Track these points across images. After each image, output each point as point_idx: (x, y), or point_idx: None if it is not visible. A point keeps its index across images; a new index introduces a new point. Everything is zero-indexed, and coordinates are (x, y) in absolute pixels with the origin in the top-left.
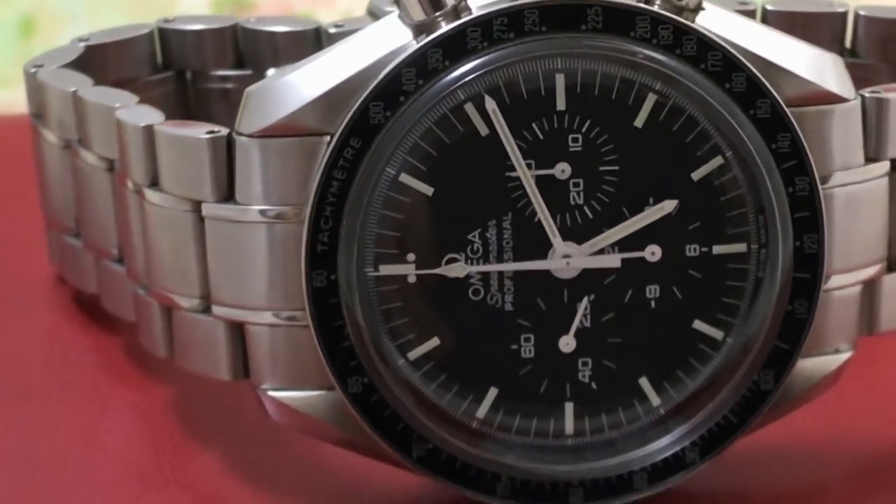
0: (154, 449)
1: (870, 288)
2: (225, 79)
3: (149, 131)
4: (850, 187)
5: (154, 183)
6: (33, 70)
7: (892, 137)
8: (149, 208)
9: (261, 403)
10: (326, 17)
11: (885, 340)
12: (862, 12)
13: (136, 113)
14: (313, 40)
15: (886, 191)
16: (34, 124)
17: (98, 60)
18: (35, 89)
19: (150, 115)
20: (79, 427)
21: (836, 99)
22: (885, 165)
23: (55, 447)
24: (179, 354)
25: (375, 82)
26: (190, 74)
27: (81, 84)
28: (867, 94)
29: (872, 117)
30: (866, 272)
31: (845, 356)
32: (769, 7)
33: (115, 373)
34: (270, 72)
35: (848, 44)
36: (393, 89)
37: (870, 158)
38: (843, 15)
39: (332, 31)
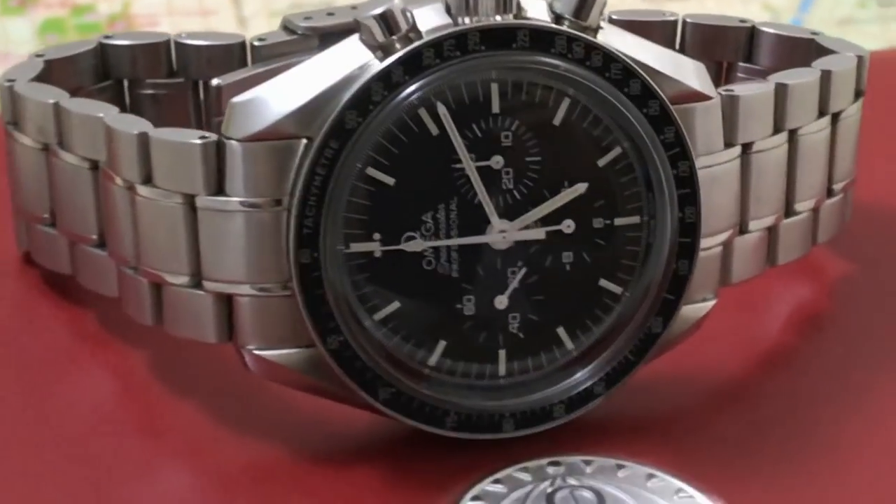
0: (134, 402)
1: (726, 248)
2: (156, 86)
3: (143, 137)
4: (713, 168)
5: (147, 180)
6: (7, 84)
7: (741, 126)
8: (141, 202)
9: (242, 360)
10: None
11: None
12: (688, 19)
13: (126, 121)
14: (239, 52)
15: (739, 170)
16: (8, 130)
17: (55, 73)
18: (11, 101)
19: (140, 123)
20: (61, 385)
21: (704, 97)
22: (737, 149)
23: (36, 404)
24: (169, 323)
25: (350, 94)
26: (127, 83)
27: (59, 96)
28: (723, 92)
29: (727, 110)
30: (724, 236)
31: (711, 303)
32: (614, 16)
33: (93, 339)
34: (215, 81)
35: (677, 46)
36: (364, 99)
37: (727, 144)
38: (674, 22)
39: (256, 43)
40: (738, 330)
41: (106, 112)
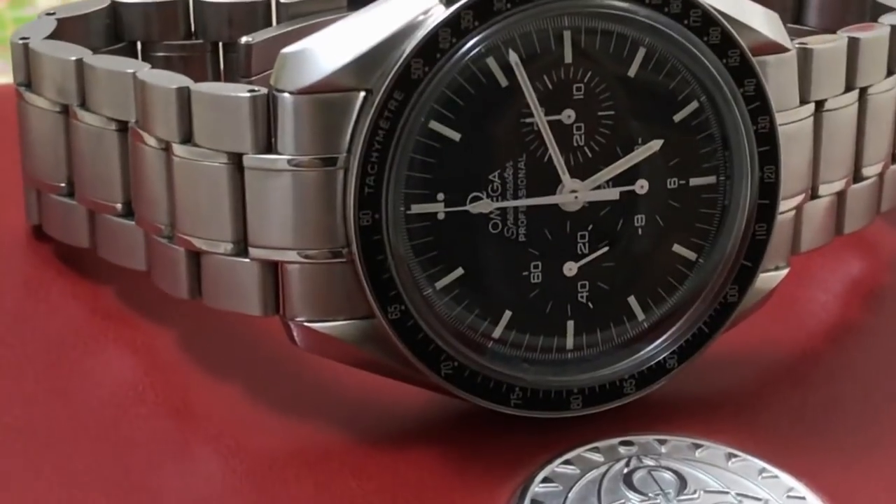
0: (165, 383)
1: (798, 213)
2: (172, 47)
3: (183, 92)
4: (787, 126)
5: (187, 139)
6: (21, 41)
7: (815, 81)
8: (179, 163)
9: (290, 334)
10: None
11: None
12: None
13: (162, 76)
14: (263, 11)
15: (812, 129)
16: (20, 92)
17: (66, 32)
18: (25, 59)
19: (178, 78)
20: (85, 367)
21: (781, 48)
22: (811, 107)
23: (62, 387)
24: (208, 295)
25: (416, 41)
26: (140, 45)
27: (81, 53)
28: (797, 45)
29: (801, 64)
30: (797, 199)
31: (784, 272)
32: None
33: (114, 317)
34: (244, 39)
35: None
36: (431, 47)
37: (801, 101)
38: None
39: (282, 1)
40: (799, 303)
41: (137, 68)
